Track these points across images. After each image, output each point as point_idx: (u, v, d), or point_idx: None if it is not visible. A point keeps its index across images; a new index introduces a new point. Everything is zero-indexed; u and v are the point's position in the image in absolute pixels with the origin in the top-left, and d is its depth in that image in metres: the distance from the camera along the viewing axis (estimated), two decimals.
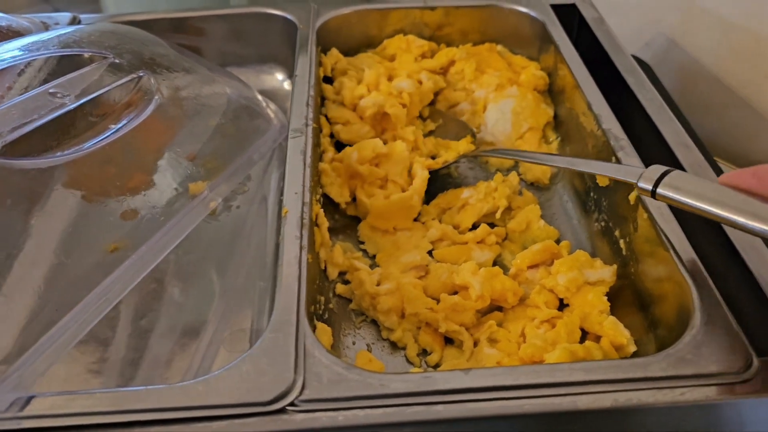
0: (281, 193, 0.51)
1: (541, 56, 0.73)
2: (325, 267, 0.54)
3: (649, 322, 0.48)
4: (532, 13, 0.73)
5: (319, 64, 0.71)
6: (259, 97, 0.72)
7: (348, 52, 0.75)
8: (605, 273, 0.51)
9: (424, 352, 0.50)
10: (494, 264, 0.56)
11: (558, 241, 0.57)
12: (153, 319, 0.56)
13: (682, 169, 0.53)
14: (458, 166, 0.67)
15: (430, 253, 0.57)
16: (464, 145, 0.66)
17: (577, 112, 0.62)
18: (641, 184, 0.42)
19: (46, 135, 0.54)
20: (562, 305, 0.52)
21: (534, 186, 0.65)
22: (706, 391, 0.38)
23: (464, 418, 0.37)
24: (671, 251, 0.45)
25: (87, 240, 0.53)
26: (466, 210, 0.59)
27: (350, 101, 0.67)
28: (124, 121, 0.56)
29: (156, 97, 0.58)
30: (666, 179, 0.41)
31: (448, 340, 0.51)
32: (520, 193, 0.62)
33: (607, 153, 0.55)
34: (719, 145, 0.82)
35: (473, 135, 0.67)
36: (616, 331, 0.47)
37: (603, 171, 0.49)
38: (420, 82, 0.70)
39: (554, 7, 0.74)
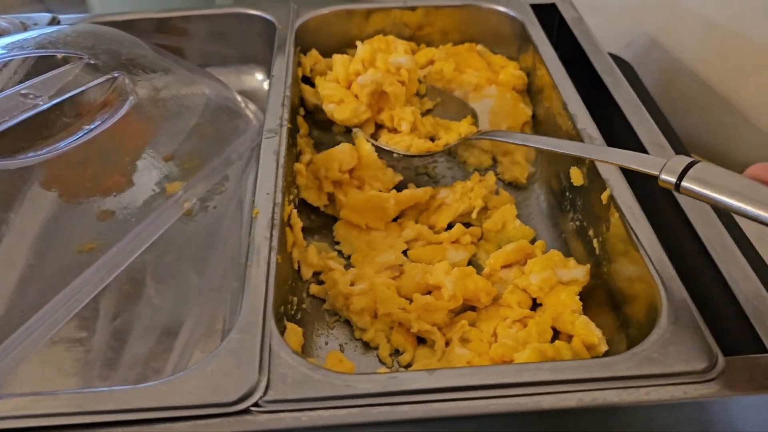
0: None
1: (520, 56, 0.73)
2: (299, 267, 0.54)
3: (620, 321, 0.48)
4: (512, 13, 0.73)
5: (298, 64, 0.71)
6: (239, 97, 0.72)
7: (328, 52, 0.75)
8: (578, 272, 0.51)
9: (396, 353, 0.50)
10: (469, 264, 0.56)
11: (534, 241, 0.57)
12: (130, 320, 0.56)
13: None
14: (436, 165, 0.67)
15: (405, 253, 0.57)
16: (465, 127, 0.63)
17: (554, 112, 0.62)
18: (664, 176, 0.40)
19: (19, 136, 0.54)
20: (536, 305, 0.52)
21: (512, 186, 0.65)
22: (671, 391, 0.38)
23: (430, 419, 0.37)
24: (641, 251, 0.45)
25: (62, 240, 0.53)
26: (442, 210, 0.59)
27: (344, 78, 0.64)
28: (98, 122, 0.55)
29: (131, 97, 0.58)
30: (691, 171, 0.39)
31: (421, 340, 0.51)
32: (497, 193, 0.62)
33: None
34: (701, 144, 0.82)
35: (474, 115, 0.64)
36: (587, 331, 0.47)
37: (621, 160, 0.45)
38: None
39: (534, 6, 0.74)
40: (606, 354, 0.46)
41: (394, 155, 0.62)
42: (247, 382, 0.37)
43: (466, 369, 0.39)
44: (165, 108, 0.66)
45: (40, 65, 0.61)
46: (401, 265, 0.55)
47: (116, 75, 0.59)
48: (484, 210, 0.60)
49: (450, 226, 0.58)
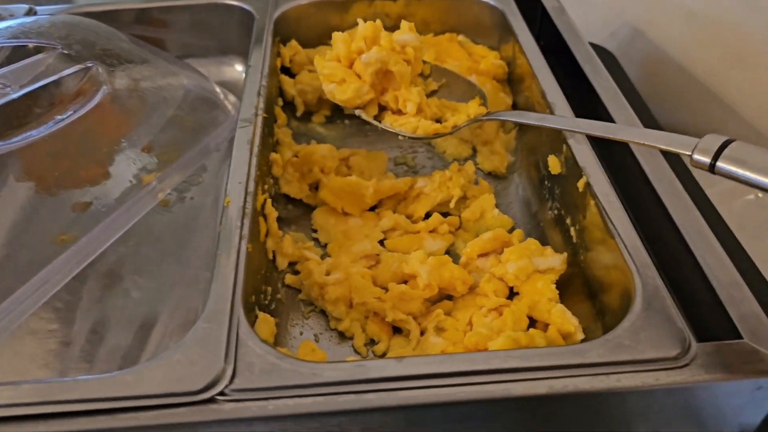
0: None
1: (501, 46, 0.73)
2: (274, 257, 0.54)
3: (597, 309, 0.48)
4: (493, 3, 0.72)
5: (277, 55, 0.70)
6: (218, 88, 0.71)
7: (309, 43, 0.74)
8: (555, 261, 0.51)
9: (372, 342, 0.50)
10: (447, 253, 0.56)
11: (512, 230, 0.57)
12: (106, 311, 0.56)
13: (632, 156, 0.53)
14: (415, 156, 0.66)
15: (382, 243, 0.56)
16: (474, 107, 0.59)
17: (533, 101, 0.62)
18: (697, 157, 0.38)
19: None
20: (513, 294, 0.52)
21: (491, 176, 0.64)
22: (642, 377, 0.37)
23: (397, 407, 0.36)
24: (616, 238, 0.45)
25: (36, 231, 0.53)
26: (420, 199, 0.58)
27: (346, 56, 0.59)
28: (71, 112, 0.55)
29: (104, 87, 0.57)
30: (727, 151, 0.37)
31: (397, 330, 0.51)
32: (477, 183, 0.61)
33: (558, 141, 0.54)
34: (685, 134, 0.82)
35: (482, 96, 0.60)
36: (563, 319, 0.47)
37: (648, 140, 0.43)
38: None
39: None
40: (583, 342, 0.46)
41: (400, 137, 0.59)
42: (212, 371, 0.37)
43: (434, 357, 0.38)
44: (143, 99, 0.66)
45: (13, 56, 0.60)
46: (378, 255, 0.54)
47: (89, 65, 0.58)
48: (463, 199, 0.59)
49: (428, 216, 0.58)
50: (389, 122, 0.60)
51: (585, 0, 0.84)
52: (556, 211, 0.55)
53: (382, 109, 0.61)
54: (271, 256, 0.53)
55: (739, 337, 0.40)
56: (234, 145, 0.53)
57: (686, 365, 0.38)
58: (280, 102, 0.68)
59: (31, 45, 0.59)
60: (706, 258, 0.45)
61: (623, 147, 0.54)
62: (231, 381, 0.37)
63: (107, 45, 0.65)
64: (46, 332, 0.53)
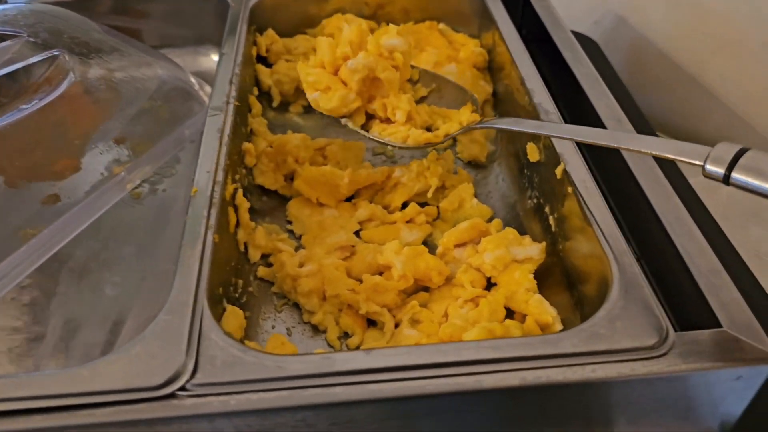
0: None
1: (481, 34, 0.71)
2: (246, 249, 0.52)
3: (576, 299, 0.47)
4: None
5: (253, 44, 0.69)
6: (193, 79, 0.70)
7: (286, 32, 0.73)
8: (533, 251, 0.49)
9: (346, 335, 0.49)
10: (425, 244, 0.55)
11: (492, 220, 0.55)
12: (79, 307, 0.54)
13: (615, 153, 0.52)
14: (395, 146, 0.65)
15: (358, 234, 0.55)
16: (466, 115, 0.57)
17: (512, 89, 0.60)
18: (710, 168, 0.35)
19: None
20: (491, 285, 0.51)
21: (471, 165, 0.63)
22: (618, 367, 0.36)
23: (364, 400, 0.35)
24: (594, 225, 0.44)
25: (1, 225, 0.51)
26: (397, 189, 0.57)
27: (331, 63, 0.56)
28: (36, 101, 0.53)
29: (71, 75, 0.56)
30: (742, 161, 0.34)
31: (372, 323, 0.50)
32: (455, 172, 0.60)
33: None
34: (669, 122, 0.81)
35: (474, 102, 0.58)
36: (541, 310, 0.46)
37: (656, 149, 0.39)
38: None
39: None
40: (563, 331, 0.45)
41: (389, 148, 0.57)
42: (173, 365, 0.36)
43: (403, 348, 0.37)
44: (114, 89, 0.64)
45: None
46: (353, 246, 0.53)
47: (56, 53, 0.57)
48: (442, 189, 0.58)
49: (405, 206, 0.57)
50: (377, 132, 0.57)
51: None
52: (535, 200, 0.54)
53: (370, 117, 0.59)
54: (242, 248, 0.52)
55: (719, 325, 0.39)
56: (204, 133, 0.52)
57: (663, 355, 0.37)
58: (256, 92, 0.66)
59: None
60: (686, 246, 0.44)
61: None
62: (192, 375, 0.35)
63: (77, 34, 0.64)
64: (11, 330, 0.52)
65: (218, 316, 0.42)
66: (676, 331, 0.38)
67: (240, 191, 0.52)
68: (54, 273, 0.56)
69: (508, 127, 0.51)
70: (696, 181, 0.68)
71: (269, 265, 0.53)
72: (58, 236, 0.50)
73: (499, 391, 0.36)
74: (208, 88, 0.68)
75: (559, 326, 0.45)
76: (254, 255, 0.52)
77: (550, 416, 0.39)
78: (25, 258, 0.47)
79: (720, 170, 0.35)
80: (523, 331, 0.44)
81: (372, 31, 0.71)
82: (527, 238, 0.51)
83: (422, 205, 0.57)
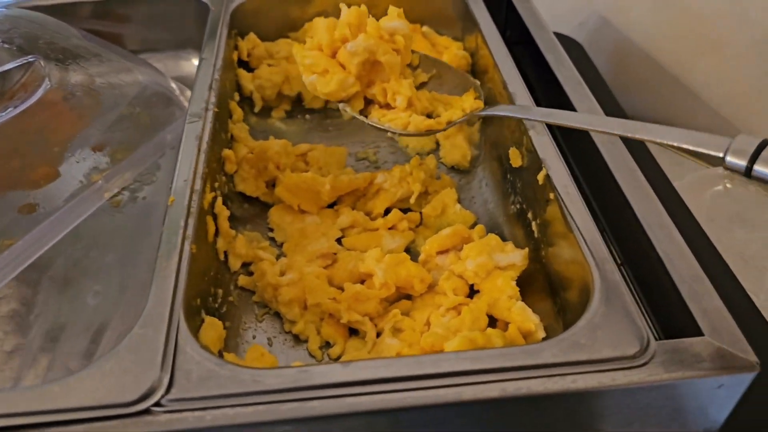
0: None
1: (465, 36, 0.71)
2: (227, 258, 0.51)
3: (559, 306, 0.47)
4: None
5: (234, 48, 0.68)
6: (174, 84, 0.69)
7: (268, 36, 0.72)
8: (516, 257, 0.49)
9: (327, 345, 0.48)
10: (408, 251, 0.54)
11: (475, 225, 0.55)
12: (59, 317, 0.54)
13: (594, 148, 0.52)
14: (378, 150, 0.64)
15: (341, 241, 0.55)
16: (469, 101, 0.55)
17: (495, 91, 0.60)
18: (731, 160, 0.35)
19: None
20: (474, 291, 0.50)
21: (455, 170, 0.63)
22: (599, 377, 0.36)
23: (341, 414, 0.34)
24: (575, 232, 0.44)
25: None
26: (379, 195, 0.57)
27: (329, 45, 0.54)
28: (10, 108, 0.52)
29: (46, 82, 0.55)
30: (765, 153, 0.34)
31: (354, 331, 0.49)
32: (439, 177, 0.60)
33: (519, 132, 0.53)
34: (653, 122, 0.80)
35: (477, 89, 0.56)
36: (524, 317, 0.45)
37: (673, 140, 0.38)
38: None
39: None
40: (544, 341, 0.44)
41: (389, 135, 0.55)
42: (147, 380, 0.35)
43: (381, 360, 0.36)
44: (93, 96, 0.64)
45: None
46: (335, 254, 0.53)
47: (31, 59, 0.56)
48: (425, 195, 0.58)
49: (388, 212, 0.56)
50: (377, 117, 0.56)
51: None
52: (518, 206, 0.54)
53: (369, 103, 0.58)
54: (222, 257, 0.51)
55: (701, 333, 0.38)
56: (182, 141, 0.51)
57: (644, 364, 0.36)
58: (237, 97, 0.66)
59: None
60: (668, 252, 0.43)
61: (586, 138, 0.53)
62: (167, 390, 0.35)
63: (54, 39, 0.63)
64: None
65: (196, 328, 0.42)
66: (660, 339, 0.38)
67: (219, 199, 0.51)
68: (34, 283, 0.55)
69: (514, 115, 0.49)
70: (680, 184, 0.68)
71: (250, 273, 0.52)
72: (35, 246, 0.49)
73: (479, 402, 0.35)
74: (189, 93, 0.67)
75: (542, 334, 0.45)
76: (235, 264, 0.52)
77: (533, 427, 0.38)
78: (1, 268, 0.46)
79: (742, 162, 0.34)
80: (506, 339, 0.44)
81: None
82: (510, 245, 0.50)
83: (405, 211, 0.56)
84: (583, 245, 0.43)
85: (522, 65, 0.60)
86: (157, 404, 0.34)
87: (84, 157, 0.60)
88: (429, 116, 0.56)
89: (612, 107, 0.67)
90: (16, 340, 0.52)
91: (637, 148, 0.62)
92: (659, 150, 0.76)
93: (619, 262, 0.49)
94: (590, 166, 0.53)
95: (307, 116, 0.69)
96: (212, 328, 0.43)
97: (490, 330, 0.44)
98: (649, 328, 0.43)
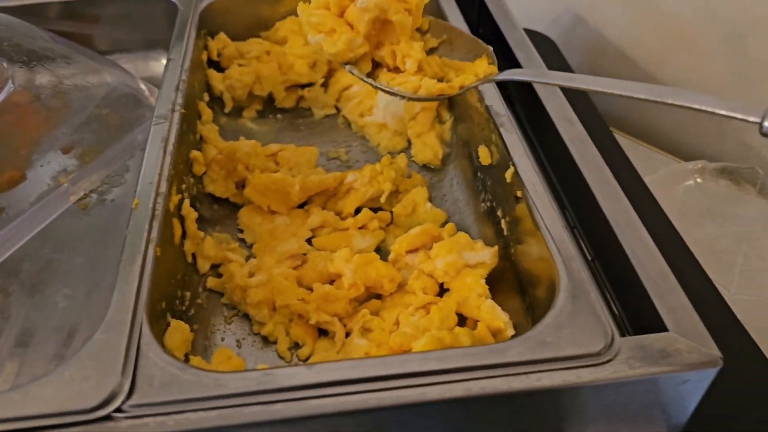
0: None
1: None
2: (195, 260, 0.51)
3: (528, 304, 0.47)
4: None
5: (204, 48, 0.68)
6: (143, 85, 0.68)
7: (239, 36, 0.72)
8: (485, 255, 0.49)
9: (297, 346, 0.48)
10: (378, 250, 0.54)
11: (446, 223, 0.55)
12: (29, 320, 0.53)
13: (563, 145, 0.52)
14: (349, 150, 0.64)
15: (311, 241, 0.54)
16: (483, 67, 0.53)
17: None
18: None
19: None
20: (445, 290, 0.50)
21: (426, 168, 0.62)
22: (564, 375, 0.36)
23: (306, 417, 0.34)
24: (542, 228, 0.44)
25: None
26: (350, 195, 0.56)
27: (336, 3, 0.52)
28: None
29: (9, 84, 0.54)
30: None
31: (324, 332, 0.49)
32: (410, 176, 0.59)
33: (488, 130, 0.53)
34: (626, 120, 0.81)
35: (490, 55, 0.53)
36: (493, 315, 0.45)
37: (707, 105, 0.37)
38: None
39: None
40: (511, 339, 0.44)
41: (398, 99, 0.53)
42: (108, 386, 0.34)
43: (346, 362, 0.36)
44: (61, 98, 0.63)
45: None
46: (304, 254, 0.52)
47: None
48: (396, 194, 0.58)
49: (359, 212, 0.56)
50: (385, 81, 0.53)
51: None
52: (488, 203, 0.54)
53: (376, 66, 0.55)
54: (190, 259, 0.51)
55: (665, 329, 0.38)
56: (147, 143, 0.50)
57: (609, 361, 0.36)
58: (207, 97, 0.65)
59: None
60: (634, 249, 0.43)
61: (555, 135, 0.53)
62: (129, 396, 0.34)
63: (20, 41, 0.62)
64: None
65: (161, 332, 0.41)
66: (629, 335, 0.38)
67: (187, 201, 0.51)
68: (2, 287, 0.55)
69: (532, 79, 0.47)
70: (652, 179, 0.68)
71: (220, 275, 0.52)
72: (1, 249, 0.48)
73: (444, 402, 0.35)
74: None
75: (511, 332, 0.45)
76: (203, 266, 0.51)
77: (500, 425, 0.38)
78: None
79: None
80: (474, 338, 0.43)
81: None
82: (480, 243, 0.50)
83: (376, 210, 0.56)
84: (550, 242, 0.43)
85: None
86: (119, 410, 0.34)
87: (51, 159, 0.59)
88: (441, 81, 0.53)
89: (584, 103, 0.68)
90: None
91: (608, 144, 0.63)
92: (631, 146, 0.76)
93: (590, 258, 0.49)
94: (562, 164, 0.53)
95: (279, 116, 0.69)
96: (178, 331, 0.43)
97: (458, 329, 0.44)
98: (618, 325, 0.43)
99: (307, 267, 0.51)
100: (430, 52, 0.56)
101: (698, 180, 0.69)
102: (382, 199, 0.56)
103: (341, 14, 0.52)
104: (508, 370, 0.36)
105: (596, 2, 0.82)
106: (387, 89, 0.52)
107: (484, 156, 0.53)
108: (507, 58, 0.63)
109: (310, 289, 0.49)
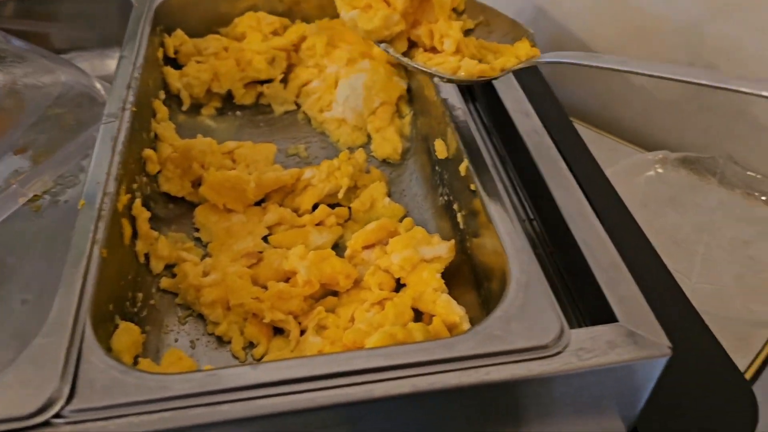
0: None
1: None
2: (148, 260, 0.50)
3: (483, 298, 0.46)
4: None
5: (161, 45, 0.67)
6: (98, 84, 0.67)
7: (197, 32, 0.71)
8: (441, 249, 0.49)
9: (251, 345, 0.47)
10: (336, 246, 0.54)
11: (404, 218, 0.55)
12: None
13: (519, 139, 0.51)
14: (309, 146, 0.64)
15: (267, 239, 0.54)
16: (524, 49, 0.51)
17: (422, 83, 0.59)
18: None
19: None
20: (402, 285, 0.50)
21: (386, 163, 0.62)
22: (513, 368, 0.35)
23: (252, 417, 0.34)
24: (494, 221, 0.43)
25: None
26: (307, 191, 0.56)
27: None
28: None
29: None
30: None
31: (280, 331, 0.48)
32: (368, 171, 0.59)
33: (444, 123, 0.53)
34: (590, 111, 0.81)
35: (531, 37, 0.51)
36: (448, 310, 0.45)
37: (731, 84, 0.36)
38: None
39: None
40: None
41: (435, 79, 0.51)
42: (46, 391, 0.34)
43: (293, 360, 0.35)
44: (16, 98, 0.62)
45: None
46: (260, 252, 0.52)
47: None
48: (354, 189, 0.57)
49: (317, 208, 0.55)
50: (422, 61, 0.51)
51: None
52: (446, 198, 0.54)
53: (412, 45, 0.54)
54: (143, 260, 0.50)
55: (615, 320, 0.38)
56: (96, 142, 0.49)
57: (558, 353, 0.36)
58: (163, 95, 0.64)
59: None
60: (587, 240, 0.43)
61: (511, 128, 0.52)
62: (68, 401, 0.34)
63: None
64: None
65: (107, 335, 0.41)
66: (581, 326, 0.38)
67: (138, 201, 0.50)
68: None
69: (581, 62, 0.45)
70: (613, 171, 0.68)
71: (174, 275, 0.51)
72: None
73: (392, 399, 0.35)
74: None
75: (466, 326, 0.45)
76: (157, 266, 0.50)
77: (454, 420, 0.38)
78: None
79: None
80: (428, 333, 0.43)
81: (285, 29, 0.69)
82: (436, 237, 0.50)
83: (334, 206, 0.56)
84: (502, 235, 0.42)
85: None
86: (58, 415, 0.33)
87: (4, 161, 0.58)
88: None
89: (546, 95, 0.67)
90: None
91: (568, 136, 0.62)
92: (596, 138, 0.76)
93: (549, 251, 0.49)
94: (519, 157, 0.53)
95: (238, 113, 0.68)
96: (127, 333, 0.42)
97: (411, 324, 0.43)
98: (570, 317, 0.43)
99: (262, 265, 0.50)
100: (467, 33, 0.54)
101: (659, 170, 0.69)
102: (340, 195, 0.56)
103: None
104: (457, 364, 0.35)
105: None
106: (424, 69, 0.50)
107: (441, 150, 0.53)
108: None
109: (266, 288, 0.48)
